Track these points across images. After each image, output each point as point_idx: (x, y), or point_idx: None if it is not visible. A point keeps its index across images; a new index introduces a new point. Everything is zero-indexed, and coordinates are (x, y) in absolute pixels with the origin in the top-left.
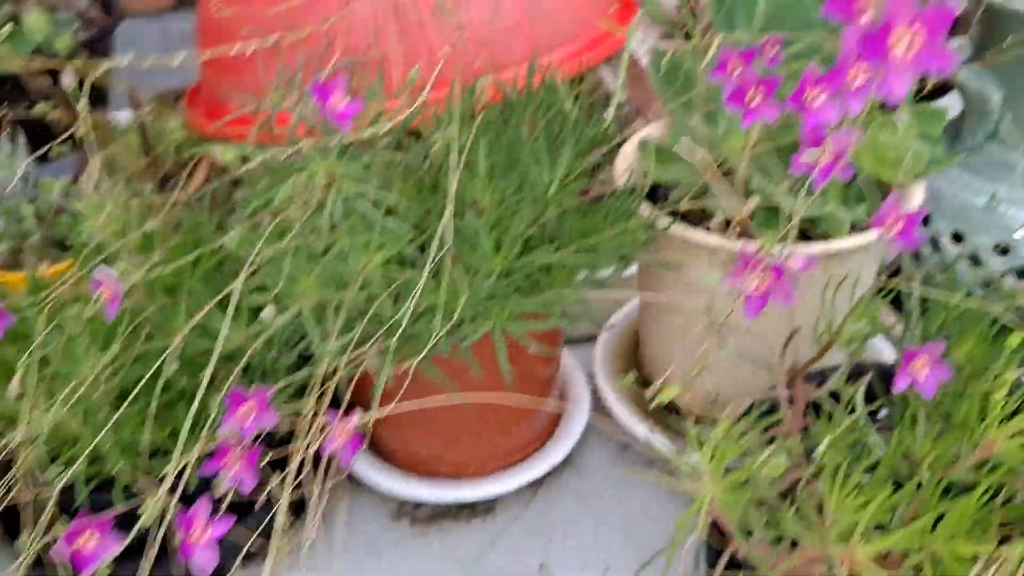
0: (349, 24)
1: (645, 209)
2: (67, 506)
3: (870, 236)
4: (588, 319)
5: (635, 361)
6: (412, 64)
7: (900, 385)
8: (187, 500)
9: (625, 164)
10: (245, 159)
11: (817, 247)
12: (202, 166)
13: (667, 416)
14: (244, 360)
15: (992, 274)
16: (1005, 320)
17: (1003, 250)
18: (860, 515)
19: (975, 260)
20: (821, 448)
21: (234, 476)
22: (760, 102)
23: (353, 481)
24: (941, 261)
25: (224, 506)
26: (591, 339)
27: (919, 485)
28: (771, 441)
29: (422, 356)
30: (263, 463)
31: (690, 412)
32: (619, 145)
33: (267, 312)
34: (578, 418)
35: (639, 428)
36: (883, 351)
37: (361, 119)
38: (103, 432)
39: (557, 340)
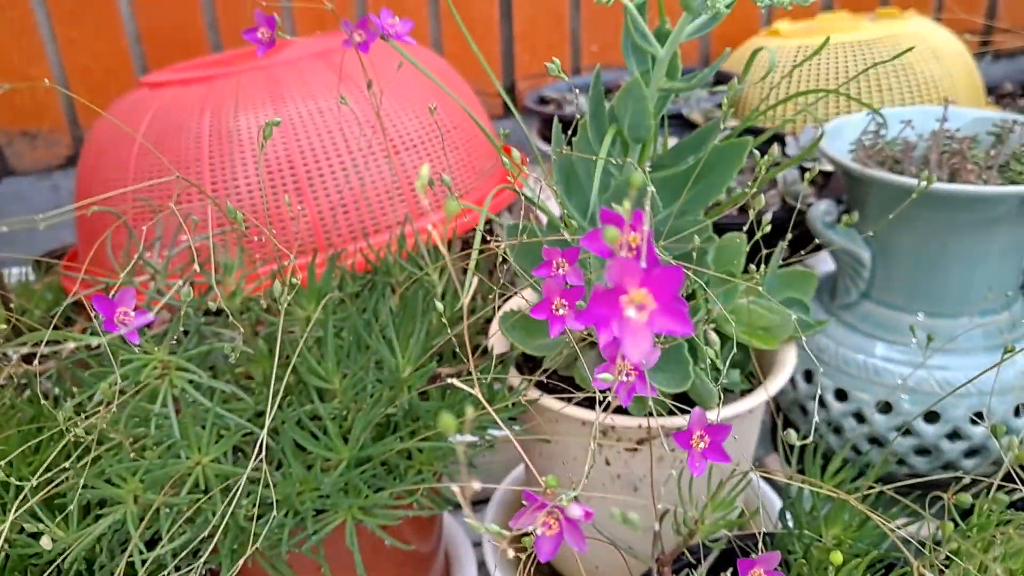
0: (220, 195)
1: (514, 380)
2: None
3: (737, 408)
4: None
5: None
6: (281, 232)
7: None
8: None
9: (497, 335)
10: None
11: (668, 421)
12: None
13: None
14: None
15: (876, 431)
16: (863, 507)
17: (885, 407)
18: None
19: (859, 417)
20: None
21: None
22: (566, 312)
23: None
24: (827, 418)
25: None
26: (483, 500)
27: None
28: None
29: (247, 555)
30: None
31: None
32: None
33: (44, 541)
34: None
35: None
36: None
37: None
38: None
39: (432, 521)
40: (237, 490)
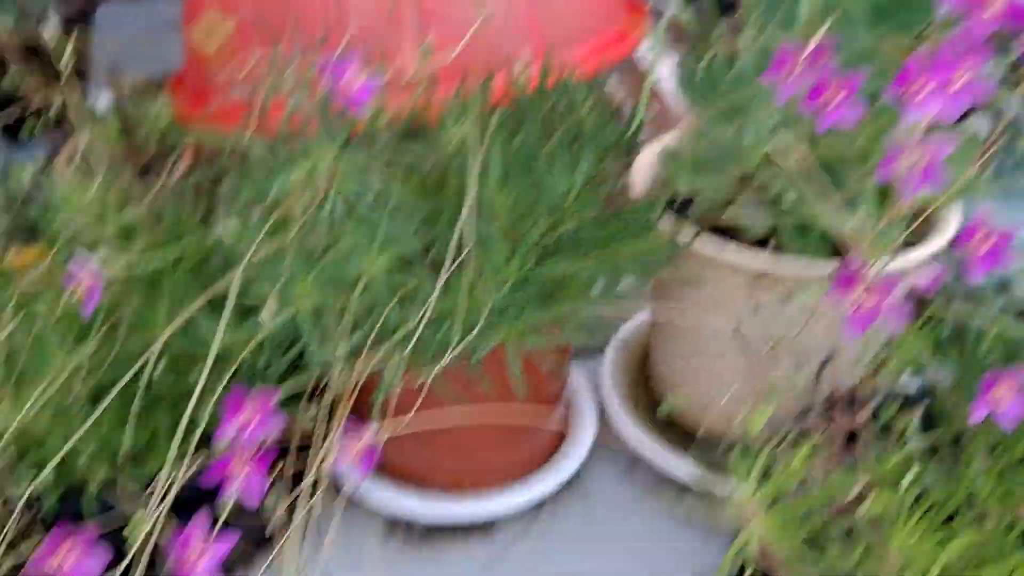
0: (354, 8)
1: (668, 222)
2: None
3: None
4: (597, 332)
5: (643, 376)
6: (422, 55)
7: (978, 414)
8: (174, 510)
9: (643, 174)
10: (233, 151)
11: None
12: (187, 155)
13: (673, 433)
14: (234, 364)
15: (1021, 301)
16: None
17: None
18: (933, 557)
19: (1003, 286)
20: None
21: (240, 486)
22: (840, 101)
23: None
24: (965, 288)
25: (222, 520)
26: (599, 351)
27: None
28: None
29: (436, 369)
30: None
31: (706, 432)
32: (636, 154)
33: (266, 313)
34: (584, 435)
35: (651, 448)
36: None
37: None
38: (76, 435)
39: (567, 353)
40: (429, 298)
